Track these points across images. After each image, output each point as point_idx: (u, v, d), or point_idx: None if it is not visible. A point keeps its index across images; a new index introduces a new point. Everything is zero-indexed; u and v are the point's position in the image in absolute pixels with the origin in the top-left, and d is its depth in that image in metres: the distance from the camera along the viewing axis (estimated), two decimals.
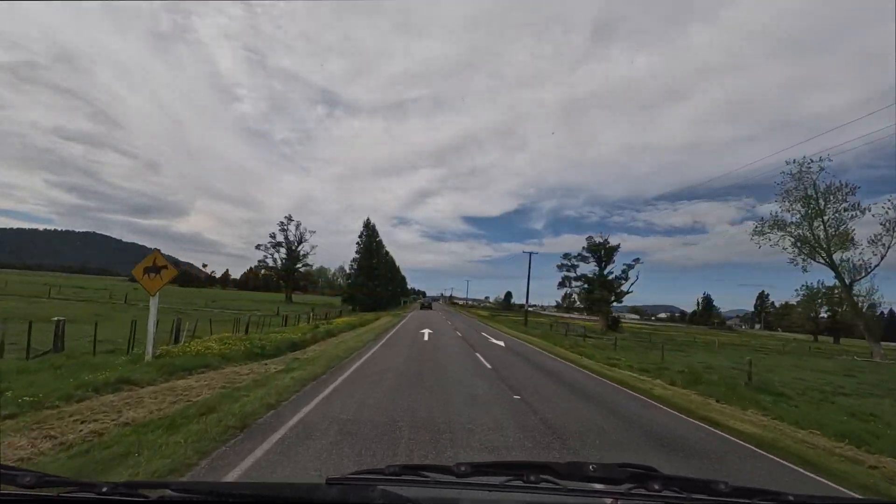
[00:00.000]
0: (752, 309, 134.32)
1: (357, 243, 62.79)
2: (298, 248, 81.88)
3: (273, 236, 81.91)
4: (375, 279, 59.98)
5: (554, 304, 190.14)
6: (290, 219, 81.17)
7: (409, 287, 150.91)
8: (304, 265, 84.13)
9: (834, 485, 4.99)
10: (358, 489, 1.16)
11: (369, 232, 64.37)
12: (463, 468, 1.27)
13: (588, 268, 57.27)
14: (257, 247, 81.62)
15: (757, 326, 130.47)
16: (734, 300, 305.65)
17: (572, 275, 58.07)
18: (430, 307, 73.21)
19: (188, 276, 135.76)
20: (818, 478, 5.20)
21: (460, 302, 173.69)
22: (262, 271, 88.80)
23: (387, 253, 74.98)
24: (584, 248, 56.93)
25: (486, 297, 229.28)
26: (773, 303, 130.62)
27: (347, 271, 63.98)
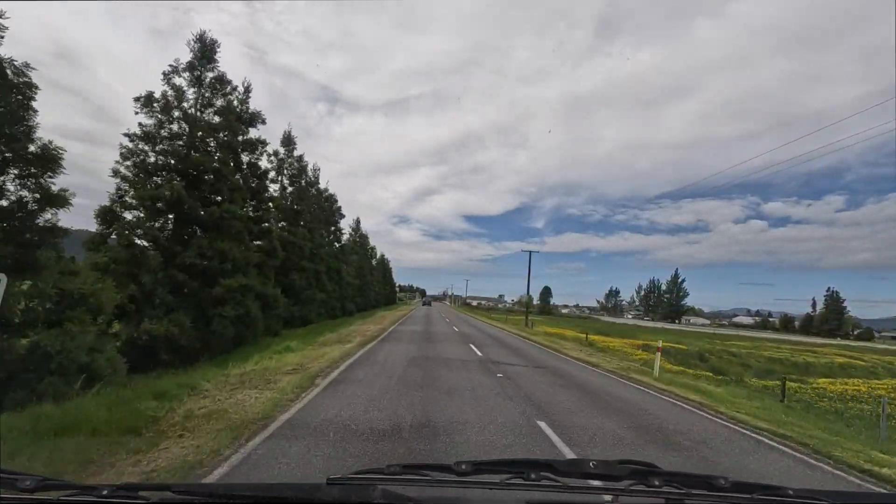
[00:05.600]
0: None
1: None
2: None
3: None
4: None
5: (590, 305, 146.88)
6: None
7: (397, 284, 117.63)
8: None
9: None
10: (359, 489, 1.16)
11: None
12: (463, 467, 1.24)
13: None
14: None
15: None
16: (737, 299, 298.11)
17: None
18: (429, 304, 78.61)
19: None
20: None
21: (475, 303, 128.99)
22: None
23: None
24: None
25: (501, 296, 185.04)
26: None
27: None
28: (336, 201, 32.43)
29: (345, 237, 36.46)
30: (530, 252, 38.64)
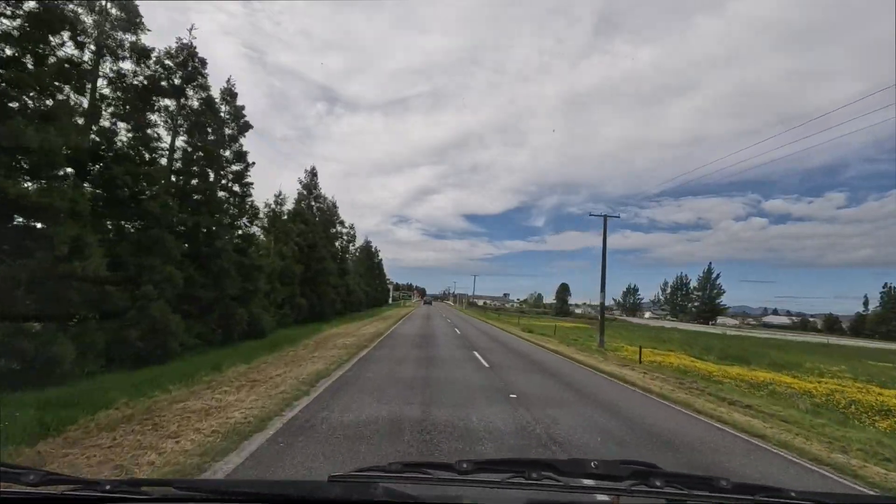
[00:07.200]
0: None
1: None
2: None
3: None
4: None
5: (606, 304, 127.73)
6: None
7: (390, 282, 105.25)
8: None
9: None
10: (360, 486, 1.14)
11: None
12: (465, 465, 1.23)
13: None
14: None
15: None
16: (738, 297, 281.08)
17: None
18: (430, 304, 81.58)
19: None
20: None
21: (481, 303, 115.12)
22: None
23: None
24: None
25: (506, 294, 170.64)
26: None
27: None
28: (233, 94, 15.87)
29: (272, 191, 21.08)
30: (605, 217, 21.86)
